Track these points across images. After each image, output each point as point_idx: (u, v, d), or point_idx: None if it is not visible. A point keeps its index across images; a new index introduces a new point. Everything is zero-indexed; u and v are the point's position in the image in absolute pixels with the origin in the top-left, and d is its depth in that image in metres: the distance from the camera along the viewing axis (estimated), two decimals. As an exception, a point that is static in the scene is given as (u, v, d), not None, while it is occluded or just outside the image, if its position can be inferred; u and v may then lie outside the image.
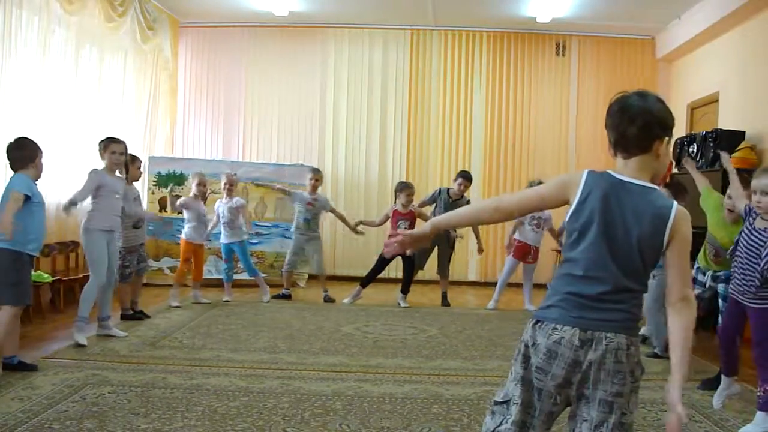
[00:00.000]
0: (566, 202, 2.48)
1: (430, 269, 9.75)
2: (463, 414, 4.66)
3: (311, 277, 10.49)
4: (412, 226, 9.08)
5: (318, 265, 9.51)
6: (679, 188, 6.77)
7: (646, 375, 5.54)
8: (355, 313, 8.56)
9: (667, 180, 9.86)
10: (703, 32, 9.68)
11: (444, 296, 9.33)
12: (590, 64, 11.83)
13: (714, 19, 9.20)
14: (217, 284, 9.45)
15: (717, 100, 9.67)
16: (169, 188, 9.88)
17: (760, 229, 4.53)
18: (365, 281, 9.39)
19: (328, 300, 9.31)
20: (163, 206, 10.11)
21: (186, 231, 8.61)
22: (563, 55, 11.84)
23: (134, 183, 7.62)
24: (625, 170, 2.46)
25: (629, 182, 2.42)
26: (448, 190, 9.48)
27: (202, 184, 8.67)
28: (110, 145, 6.60)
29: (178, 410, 4.55)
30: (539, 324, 2.43)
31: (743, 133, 8.44)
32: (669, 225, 2.36)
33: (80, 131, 8.81)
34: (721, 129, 8.71)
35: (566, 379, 2.36)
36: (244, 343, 6.73)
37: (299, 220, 9.45)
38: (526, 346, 2.43)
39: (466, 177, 9.38)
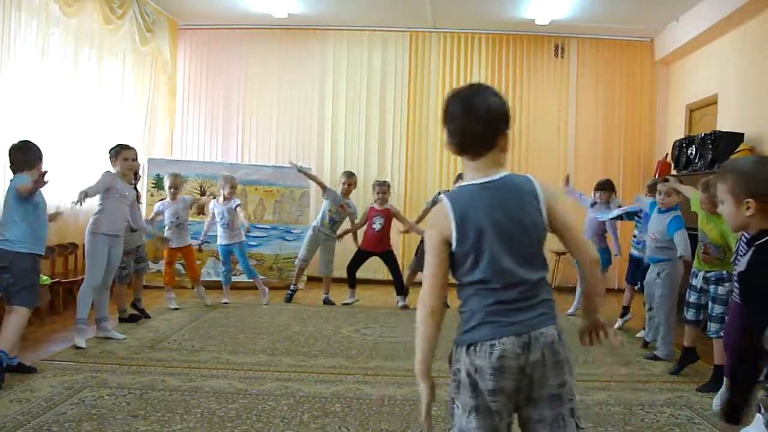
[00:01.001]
0: (448, 241, 2.41)
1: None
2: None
3: (311, 279, 10.48)
4: (387, 222, 9.26)
5: (327, 266, 9.48)
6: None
7: (646, 377, 5.57)
8: (354, 315, 8.55)
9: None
10: (702, 34, 9.68)
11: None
12: (589, 66, 11.83)
13: (712, 21, 9.20)
14: (216, 286, 9.44)
15: (716, 102, 9.67)
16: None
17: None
18: (352, 281, 9.44)
19: (328, 302, 9.30)
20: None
21: (174, 239, 8.60)
22: (562, 57, 11.85)
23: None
24: (477, 171, 2.45)
25: (488, 181, 2.41)
26: (448, 192, 9.44)
27: (173, 186, 8.64)
28: (122, 152, 6.72)
29: (177, 412, 4.56)
30: (473, 348, 2.38)
31: (742, 135, 8.44)
32: (539, 196, 2.41)
33: (79, 133, 8.81)
34: (719, 131, 8.71)
35: (516, 388, 2.35)
36: (243, 345, 6.73)
37: (325, 219, 9.41)
38: (469, 374, 2.39)
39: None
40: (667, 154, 10.50)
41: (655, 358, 6.57)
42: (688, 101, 10.73)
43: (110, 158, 6.74)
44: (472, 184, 2.44)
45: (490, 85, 2.54)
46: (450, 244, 2.40)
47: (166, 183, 8.71)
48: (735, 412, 2.79)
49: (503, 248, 2.36)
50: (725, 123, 9.12)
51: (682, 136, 10.03)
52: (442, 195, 2.46)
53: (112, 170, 6.68)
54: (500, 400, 2.36)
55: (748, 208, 2.76)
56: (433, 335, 2.47)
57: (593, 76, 11.82)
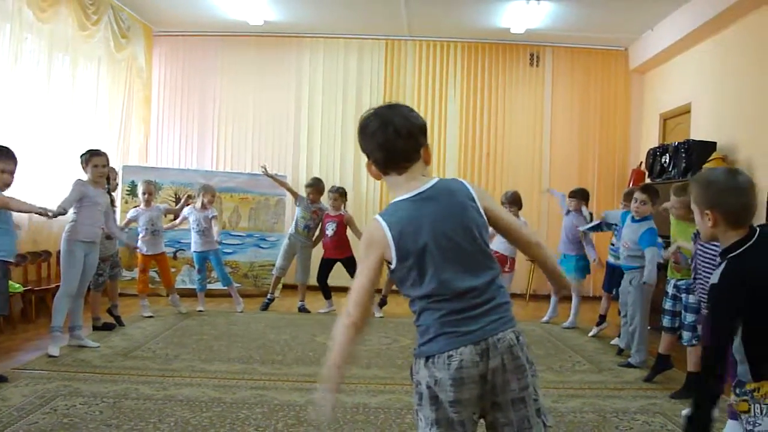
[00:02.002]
0: (387, 260, 2.43)
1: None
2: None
3: (286, 286, 10.44)
4: (340, 228, 9.30)
5: (303, 273, 9.46)
6: (654, 192, 6.87)
7: (620, 384, 5.60)
8: (329, 323, 8.48)
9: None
10: (675, 44, 9.77)
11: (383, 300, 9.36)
12: (564, 74, 11.90)
13: (686, 31, 9.28)
14: (191, 294, 9.41)
15: (689, 111, 9.75)
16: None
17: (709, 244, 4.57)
18: (326, 292, 9.43)
19: (303, 310, 9.29)
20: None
21: (139, 243, 8.58)
22: (537, 65, 11.90)
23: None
24: (406, 185, 2.47)
25: (419, 192, 2.43)
26: (382, 212, 9.43)
27: (147, 193, 8.62)
28: (92, 159, 6.68)
29: (150, 421, 4.53)
30: (431, 360, 2.37)
31: (715, 144, 8.51)
32: (474, 196, 2.43)
33: (53, 140, 8.75)
34: (693, 140, 8.78)
35: (479, 395, 2.36)
36: (218, 353, 6.71)
37: (299, 227, 9.41)
38: (429, 387, 2.37)
39: None
40: (641, 162, 10.58)
41: (629, 365, 6.60)
42: (662, 110, 10.81)
43: (81, 165, 6.72)
44: (404, 199, 2.44)
45: (401, 103, 2.57)
46: (388, 262, 2.42)
47: (140, 189, 8.69)
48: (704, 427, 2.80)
49: (446, 260, 2.36)
50: (698, 132, 9.19)
51: (656, 145, 10.10)
52: (376, 216, 2.45)
53: (84, 177, 6.65)
54: (462, 410, 2.36)
55: (708, 219, 2.83)
56: (350, 345, 2.45)
57: (568, 85, 11.88)
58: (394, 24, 11.12)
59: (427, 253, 2.36)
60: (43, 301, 8.05)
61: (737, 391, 2.84)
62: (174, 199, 10.42)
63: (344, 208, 9.52)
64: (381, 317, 9.04)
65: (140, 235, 8.51)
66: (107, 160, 6.84)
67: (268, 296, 9.48)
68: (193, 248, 9.13)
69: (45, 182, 8.46)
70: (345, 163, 11.88)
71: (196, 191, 9.22)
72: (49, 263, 8.58)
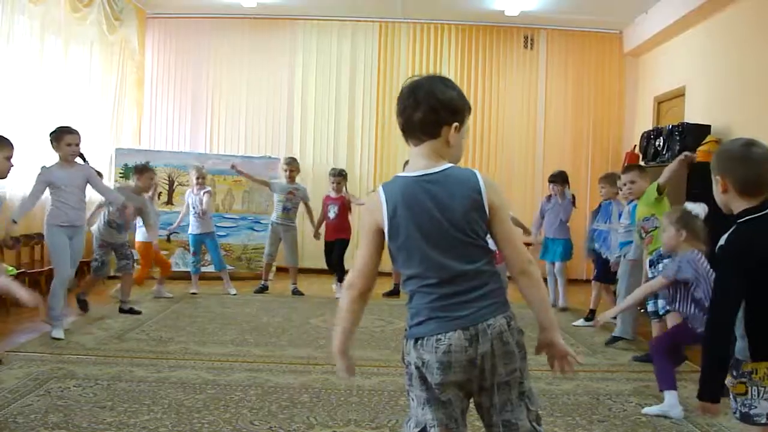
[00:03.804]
0: (382, 230, 2.41)
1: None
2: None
3: (279, 269, 10.44)
4: (342, 210, 9.30)
5: (291, 256, 9.46)
6: (638, 167, 6.98)
7: (613, 367, 5.60)
8: (322, 305, 8.54)
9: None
10: (670, 27, 9.75)
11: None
12: (558, 57, 11.88)
13: (680, 14, 9.26)
14: (184, 277, 9.40)
15: (683, 94, 9.74)
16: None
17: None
18: (340, 275, 9.30)
19: (297, 293, 9.30)
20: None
21: (140, 234, 8.58)
22: (531, 48, 11.88)
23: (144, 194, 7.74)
24: (418, 160, 2.43)
25: (425, 174, 2.38)
26: (385, 183, 9.44)
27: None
28: (65, 136, 6.48)
29: (144, 403, 4.53)
30: (420, 342, 2.36)
31: (709, 127, 8.51)
32: (483, 194, 2.36)
33: (45, 123, 8.68)
34: (687, 123, 8.77)
35: (467, 378, 2.36)
36: (211, 335, 6.71)
37: (278, 210, 9.39)
38: (417, 367, 2.37)
39: None
40: (635, 145, 10.56)
41: (614, 339, 6.66)
42: (656, 93, 10.80)
43: (51, 142, 6.51)
44: (410, 176, 2.41)
45: (448, 78, 2.50)
46: (382, 232, 2.42)
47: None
48: (717, 389, 2.80)
49: (437, 245, 2.34)
50: (692, 115, 9.19)
51: (650, 128, 10.08)
52: (379, 186, 2.44)
53: (53, 159, 6.53)
54: (449, 392, 2.36)
55: (719, 185, 2.92)
56: (356, 318, 2.50)
57: (562, 68, 11.87)
58: (388, 6, 11.08)
59: (418, 235, 2.34)
60: (37, 283, 8.03)
61: (734, 372, 2.84)
62: (167, 182, 10.41)
63: (345, 189, 9.49)
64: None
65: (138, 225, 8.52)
66: (80, 138, 6.64)
67: (262, 282, 9.47)
68: (190, 230, 9.12)
69: (36, 165, 8.41)
70: (338, 145, 11.86)
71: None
72: (42, 246, 8.55)
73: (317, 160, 11.80)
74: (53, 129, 6.58)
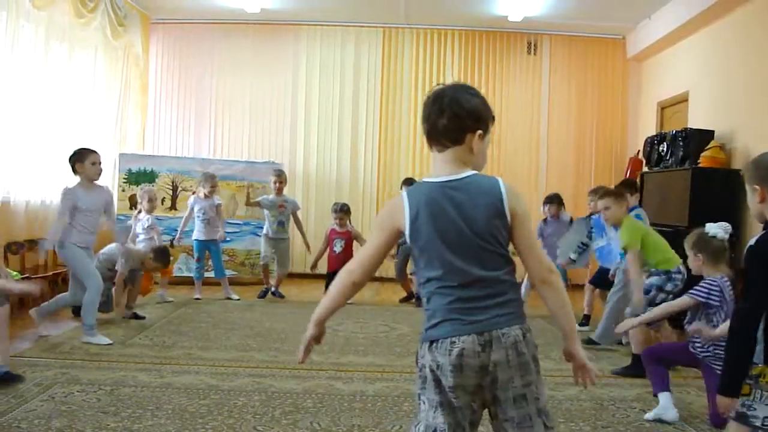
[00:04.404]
0: (401, 231, 2.44)
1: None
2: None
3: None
4: (348, 244, 9.37)
5: (283, 266, 9.48)
6: (632, 185, 7.03)
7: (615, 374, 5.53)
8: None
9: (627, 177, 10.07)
10: (673, 32, 9.75)
11: (418, 297, 9.25)
12: (561, 63, 11.89)
13: (683, 19, 9.27)
14: (187, 282, 9.40)
15: (687, 100, 9.74)
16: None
17: None
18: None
19: (277, 294, 9.45)
20: (133, 204, 10.04)
21: (141, 246, 8.49)
22: (534, 53, 11.89)
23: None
24: (442, 166, 2.47)
25: (448, 181, 2.41)
26: (409, 186, 9.47)
27: (152, 200, 8.61)
28: (89, 155, 6.44)
29: (147, 409, 4.53)
30: (435, 345, 2.37)
31: (712, 132, 8.51)
32: (505, 201, 2.38)
33: (50, 128, 8.72)
34: (690, 128, 8.78)
35: (478, 385, 2.36)
36: (215, 341, 6.72)
37: (273, 225, 9.37)
38: (432, 370, 2.38)
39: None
40: (639, 150, 10.57)
41: (590, 341, 6.73)
42: (660, 98, 10.80)
43: (72, 164, 6.45)
44: (433, 181, 2.44)
45: (472, 86, 2.54)
46: (401, 234, 2.44)
47: (145, 197, 8.62)
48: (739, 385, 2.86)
49: (455, 249, 2.36)
50: (696, 120, 9.19)
51: (654, 133, 10.09)
52: (402, 190, 2.46)
53: (75, 179, 6.49)
54: (461, 396, 2.36)
55: (757, 194, 2.95)
56: (342, 301, 2.57)
57: (566, 73, 11.87)
58: (392, 12, 11.10)
59: (440, 239, 2.37)
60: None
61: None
62: (171, 187, 10.42)
63: (350, 223, 9.57)
64: (351, 303, 9.09)
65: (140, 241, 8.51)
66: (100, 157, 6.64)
67: (264, 288, 9.44)
68: (195, 236, 9.13)
69: (41, 171, 8.46)
70: (342, 150, 11.87)
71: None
72: (46, 251, 8.55)
73: (320, 166, 11.82)
74: (73, 151, 6.52)
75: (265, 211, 9.45)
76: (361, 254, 2.53)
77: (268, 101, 11.92)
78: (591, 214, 7.91)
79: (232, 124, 11.96)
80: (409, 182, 9.36)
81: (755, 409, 2.85)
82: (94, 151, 6.53)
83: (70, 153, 6.48)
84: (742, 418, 2.90)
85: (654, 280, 5.80)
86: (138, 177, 10.35)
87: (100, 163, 6.53)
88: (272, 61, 11.91)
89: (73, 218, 6.35)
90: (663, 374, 4.68)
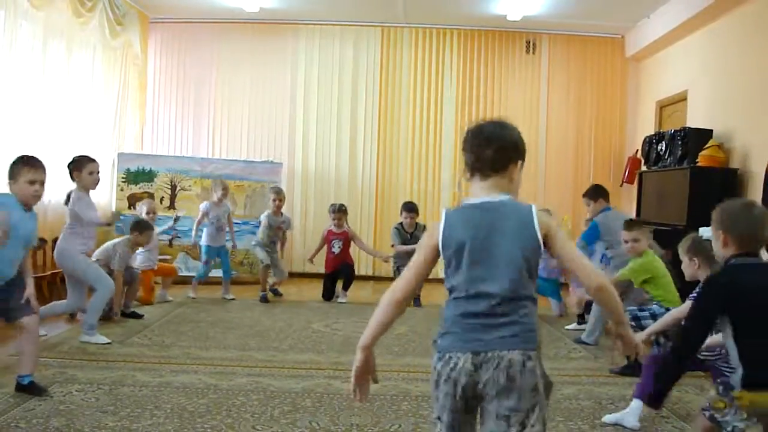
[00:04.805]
0: (436, 248, 2.55)
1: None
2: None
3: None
4: (345, 244, 9.49)
5: (280, 273, 9.47)
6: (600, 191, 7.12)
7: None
8: (324, 310, 8.55)
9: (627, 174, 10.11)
10: (672, 31, 9.75)
11: (416, 298, 9.25)
12: (560, 62, 11.88)
13: (682, 19, 9.26)
14: (187, 282, 9.39)
15: (685, 99, 9.74)
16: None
17: None
18: (348, 283, 9.55)
19: (276, 292, 9.51)
20: (132, 204, 10.04)
21: (140, 259, 8.47)
22: (533, 53, 11.89)
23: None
24: (481, 192, 2.58)
25: (486, 201, 2.54)
26: (402, 224, 9.52)
27: (152, 211, 8.60)
28: (88, 165, 6.36)
29: (146, 408, 4.53)
30: (439, 355, 2.49)
31: (711, 131, 8.51)
32: (536, 223, 2.48)
33: (48, 128, 8.71)
34: (689, 127, 8.77)
35: (470, 395, 2.44)
36: (213, 340, 6.72)
37: (266, 241, 9.33)
38: (438, 374, 2.48)
39: (409, 209, 9.53)
40: (638, 150, 10.58)
41: (581, 341, 6.82)
42: (659, 98, 10.80)
43: (70, 172, 6.38)
44: (470, 203, 2.58)
45: (509, 122, 2.71)
46: (437, 250, 2.54)
47: (144, 207, 8.60)
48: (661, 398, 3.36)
49: (478, 260, 2.45)
50: (695, 119, 9.19)
51: (652, 132, 10.10)
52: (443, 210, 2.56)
53: (76, 188, 6.42)
54: (454, 403, 2.46)
55: (720, 240, 3.21)
56: (389, 323, 2.59)
57: (564, 72, 11.87)
58: (391, 11, 11.09)
59: (464, 250, 2.47)
60: (39, 288, 8.01)
61: (720, 390, 3.12)
62: (170, 187, 10.42)
63: (347, 224, 9.62)
64: (345, 302, 9.28)
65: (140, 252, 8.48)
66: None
67: (262, 293, 9.30)
68: (207, 241, 9.13)
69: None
70: (341, 150, 11.86)
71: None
72: (45, 250, 8.53)
73: (319, 165, 11.81)
74: (72, 159, 6.46)
75: (262, 227, 9.41)
76: (405, 273, 2.59)
77: (267, 100, 11.92)
78: (587, 220, 7.97)
79: (231, 123, 11.95)
80: (408, 206, 9.54)
81: (728, 420, 3.06)
82: (92, 160, 6.44)
83: (69, 159, 6.43)
84: (712, 417, 3.12)
85: (655, 308, 5.76)
86: (136, 176, 10.35)
87: (98, 173, 6.46)
88: (271, 60, 11.90)
89: (73, 228, 6.34)
90: (652, 387, 4.68)
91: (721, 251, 3.24)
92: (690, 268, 4.64)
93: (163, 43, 11.99)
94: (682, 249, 4.70)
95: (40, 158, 4.92)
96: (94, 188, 6.51)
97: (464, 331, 2.42)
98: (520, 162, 2.64)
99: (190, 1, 10.88)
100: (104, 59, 10.29)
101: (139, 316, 7.64)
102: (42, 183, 4.87)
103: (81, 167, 6.33)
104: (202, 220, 9.15)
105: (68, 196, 6.36)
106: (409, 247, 9.15)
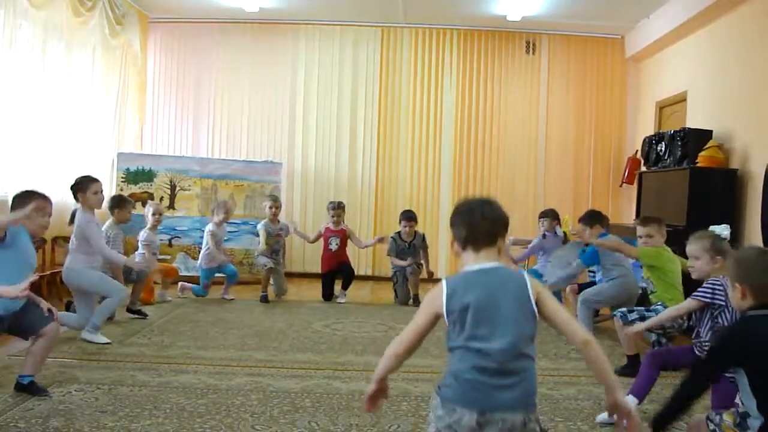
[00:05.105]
0: (439, 315, 2.72)
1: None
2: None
3: (287, 275, 10.38)
4: (342, 242, 9.51)
5: (279, 288, 9.40)
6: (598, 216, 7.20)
7: (615, 372, 5.55)
8: (324, 310, 8.55)
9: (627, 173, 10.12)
10: (672, 32, 9.74)
11: (415, 297, 9.28)
12: (560, 62, 11.88)
13: (682, 19, 9.26)
14: (187, 281, 9.39)
15: (685, 99, 9.74)
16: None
17: None
18: (347, 283, 9.54)
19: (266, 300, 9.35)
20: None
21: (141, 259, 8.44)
22: (533, 53, 11.88)
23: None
24: (476, 261, 2.80)
25: (484, 268, 2.75)
26: (399, 234, 9.50)
27: (158, 213, 8.58)
28: (92, 185, 6.42)
29: (146, 408, 4.53)
30: (444, 404, 2.60)
31: (710, 132, 8.51)
32: (529, 288, 2.69)
33: (47, 127, 8.71)
34: (689, 128, 8.77)
35: None
36: (213, 340, 6.72)
37: (268, 251, 9.32)
38: (439, 418, 2.59)
39: (408, 218, 9.48)
40: (637, 150, 10.58)
41: None
42: (658, 98, 10.80)
43: (74, 193, 6.44)
44: (469, 270, 2.78)
45: (494, 200, 2.94)
46: (438, 317, 2.73)
47: (149, 210, 8.58)
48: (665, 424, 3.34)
49: (484, 321, 2.60)
50: (694, 120, 9.19)
51: (652, 133, 10.09)
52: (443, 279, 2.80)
53: (80, 209, 6.46)
54: None
55: (738, 291, 3.23)
56: (392, 369, 2.82)
57: (564, 73, 11.86)
58: (390, 11, 11.08)
59: (470, 309, 2.62)
60: (39, 288, 8.02)
61: (737, 420, 3.14)
62: (169, 186, 10.42)
63: (344, 222, 9.63)
64: (345, 302, 9.26)
65: (140, 252, 8.47)
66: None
67: (263, 294, 9.22)
68: (205, 264, 9.15)
69: (39, 170, 8.44)
70: (340, 150, 11.85)
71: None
72: (44, 250, 8.53)
73: (319, 165, 11.81)
74: (75, 180, 6.51)
75: (260, 235, 9.39)
76: (404, 334, 2.81)
77: (267, 100, 11.91)
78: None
79: (231, 123, 11.94)
80: (407, 214, 9.53)
81: None
82: (96, 180, 6.51)
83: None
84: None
85: (660, 308, 5.75)
86: (136, 176, 10.35)
87: (102, 192, 6.54)
88: (271, 60, 11.89)
89: (81, 248, 6.38)
90: (649, 384, 4.66)
91: (739, 303, 3.25)
92: (708, 266, 4.55)
93: (163, 43, 11.98)
94: (699, 246, 4.59)
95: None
96: (99, 207, 6.59)
97: (471, 389, 2.54)
98: (505, 235, 2.88)
99: (190, 1, 10.87)
100: (104, 59, 10.28)
101: (143, 315, 7.66)
102: (51, 215, 5.20)
103: (85, 188, 6.39)
104: (207, 240, 9.15)
105: (72, 215, 6.42)
106: (403, 263, 9.20)
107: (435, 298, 2.74)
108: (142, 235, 8.40)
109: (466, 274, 2.76)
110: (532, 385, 2.60)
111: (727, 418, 3.19)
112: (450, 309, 2.65)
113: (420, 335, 2.76)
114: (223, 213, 9.20)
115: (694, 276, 4.63)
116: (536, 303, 2.67)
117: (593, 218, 7.47)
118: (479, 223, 2.79)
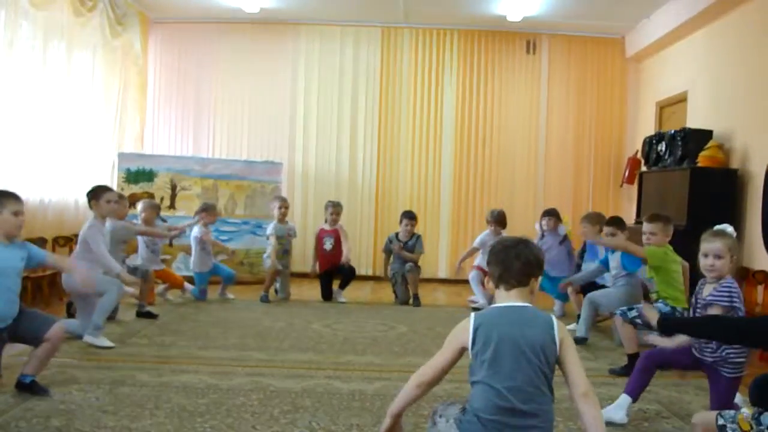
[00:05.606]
0: (464, 348, 2.92)
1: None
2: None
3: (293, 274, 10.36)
4: (337, 242, 9.43)
5: (286, 294, 9.41)
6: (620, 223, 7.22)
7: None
8: (324, 310, 8.55)
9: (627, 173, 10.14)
10: (672, 32, 9.76)
11: (415, 297, 9.30)
12: (560, 62, 11.89)
13: (683, 19, 9.27)
14: (186, 280, 9.39)
15: (685, 99, 9.75)
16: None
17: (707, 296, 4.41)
18: (346, 282, 9.51)
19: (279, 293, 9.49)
20: (131, 203, 10.02)
21: (143, 260, 8.49)
22: (534, 53, 11.90)
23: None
24: (507, 299, 2.97)
25: (512, 306, 2.92)
26: (396, 234, 9.50)
27: (148, 209, 8.58)
28: (105, 194, 6.53)
29: (146, 408, 4.53)
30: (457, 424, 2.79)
31: (711, 132, 8.52)
32: (555, 330, 2.87)
33: (48, 127, 8.71)
34: (689, 128, 8.79)
35: None
36: (213, 340, 6.71)
37: (279, 253, 9.27)
38: None
39: (410, 216, 9.49)
40: (638, 150, 10.59)
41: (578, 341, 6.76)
42: (659, 98, 10.81)
43: (89, 201, 6.53)
44: (498, 306, 2.96)
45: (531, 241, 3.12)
46: (464, 350, 2.92)
47: (140, 207, 8.59)
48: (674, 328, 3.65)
49: (507, 356, 2.76)
50: (695, 120, 9.20)
51: (652, 133, 10.10)
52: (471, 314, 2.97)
53: (92, 216, 6.51)
54: None
55: None
56: (412, 400, 2.97)
57: (565, 73, 11.88)
58: (391, 11, 11.10)
59: (495, 345, 2.80)
60: (40, 288, 8.03)
61: (755, 414, 3.10)
62: (170, 186, 10.42)
63: (340, 221, 9.63)
64: (345, 302, 9.25)
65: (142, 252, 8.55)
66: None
67: (264, 294, 9.21)
68: (198, 268, 9.13)
69: (39, 170, 8.45)
70: (341, 150, 11.87)
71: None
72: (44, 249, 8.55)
73: (319, 165, 11.82)
74: (90, 188, 6.61)
75: (271, 239, 9.33)
76: (432, 361, 2.99)
77: (267, 100, 11.92)
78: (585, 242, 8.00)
79: (231, 123, 11.96)
80: (409, 213, 9.53)
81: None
82: (109, 189, 6.67)
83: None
84: (723, 427, 3.16)
85: (660, 305, 5.76)
86: (137, 176, 10.35)
87: (115, 201, 6.69)
88: (271, 61, 11.91)
89: (85, 252, 6.41)
90: (644, 383, 4.65)
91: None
92: (727, 266, 4.30)
93: (164, 44, 12.00)
94: (723, 245, 4.29)
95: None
96: (111, 216, 6.72)
97: (492, 427, 2.72)
98: (540, 277, 3.03)
99: (191, 1, 10.89)
100: (104, 59, 10.29)
101: (154, 316, 7.67)
102: (23, 213, 5.16)
103: (99, 196, 6.50)
104: (197, 246, 9.15)
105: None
106: (412, 255, 9.27)
107: (462, 332, 2.89)
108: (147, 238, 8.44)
109: (494, 308, 2.92)
110: (551, 426, 2.74)
111: (747, 410, 3.16)
112: (475, 341, 2.82)
113: (445, 368, 2.90)
114: (209, 217, 9.18)
115: (712, 275, 4.30)
116: (559, 344, 2.82)
117: (621, 224, 7.32)
118: (512, 263, 2.93)
